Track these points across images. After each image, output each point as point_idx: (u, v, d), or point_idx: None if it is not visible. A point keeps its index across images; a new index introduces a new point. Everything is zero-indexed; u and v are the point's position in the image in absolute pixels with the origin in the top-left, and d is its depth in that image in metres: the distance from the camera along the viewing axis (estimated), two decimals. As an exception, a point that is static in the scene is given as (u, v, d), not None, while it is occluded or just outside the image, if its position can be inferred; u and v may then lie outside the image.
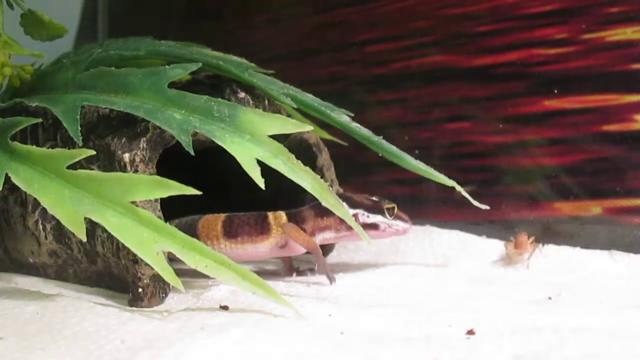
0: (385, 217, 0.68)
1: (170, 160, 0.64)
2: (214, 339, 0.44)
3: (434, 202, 0.88)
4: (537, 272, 0.72)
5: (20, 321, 0.51)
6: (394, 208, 0.68)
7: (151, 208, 0.57)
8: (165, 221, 0.54)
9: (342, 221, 0.66)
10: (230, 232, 0.66)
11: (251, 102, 0.65)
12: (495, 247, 0.79)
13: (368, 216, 0.68)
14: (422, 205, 0.89)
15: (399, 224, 0.69)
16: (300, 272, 0.72)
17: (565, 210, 0.78)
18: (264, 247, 0.67)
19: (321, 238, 0.68)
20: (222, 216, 0.67)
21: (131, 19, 1.27)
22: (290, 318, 0.50)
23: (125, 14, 1.28)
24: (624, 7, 0.74)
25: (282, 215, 0.68)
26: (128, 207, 0.52)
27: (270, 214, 0.68)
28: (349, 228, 0.66)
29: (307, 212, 0.68)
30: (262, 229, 0.66)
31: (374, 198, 0.69)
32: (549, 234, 0.72)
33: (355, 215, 0.67)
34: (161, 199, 0.58)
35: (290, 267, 0.72)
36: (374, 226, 0.68)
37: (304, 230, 0.67)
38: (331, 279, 0.65)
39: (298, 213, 0.68)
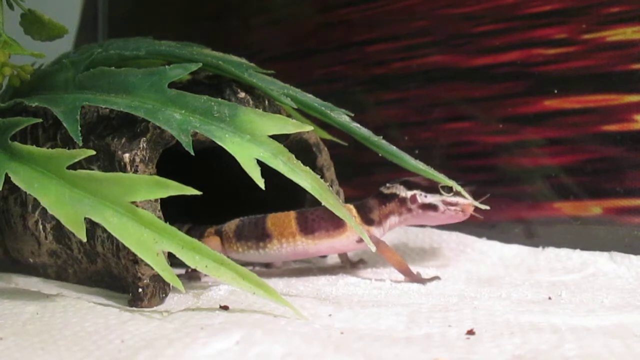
0: (443, 195, 0.67)
1: (171, 161, 0.64)
2: (214, 339, 0.44)
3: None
4: (537, 272, 0.72)
5: (20, 321, 0.51)
6: (451, 187, 0.67)
7: (151, 208, 0.57)
8: (166, 221, 0.54)
9: (402, 204, 0.68)
10: (307, 229, 0.67)
11: (251, 102, 0.65)
12: (495, 248, 0.79)
13: (426, 196, 0.68)
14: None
15: (460, 201, 0.67)
16: (354, 264, 0.74)
17: (565, 210, 0.78)
18: (340, 242, 0.68)
19: (388, 224, 0.69)
20: (293, 213, 0.69)
21: (131, 19, 1.27)
22: (290, 318, 0.50)
23: (125, 14, 1.28)
24: (624, 7, 0.75)
25: (352, 208, 0.69)
26: (128, 207, 0.52)
27: (347, 206, 0.69)
28: (410, 210, 0.68)
29: (372, 202, 0.70)
30: (338, 223, 0.67)
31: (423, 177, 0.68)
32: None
33: (413, 197, 0.68)
34: (161, 199, 0.58)
35: (346, 260, 0.74)
36: (432, 207, 0.68)
37: (372, 220, 0.69)
38: (422, 281, 0.66)
39: (365, 204, 0.70)
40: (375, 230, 0.69)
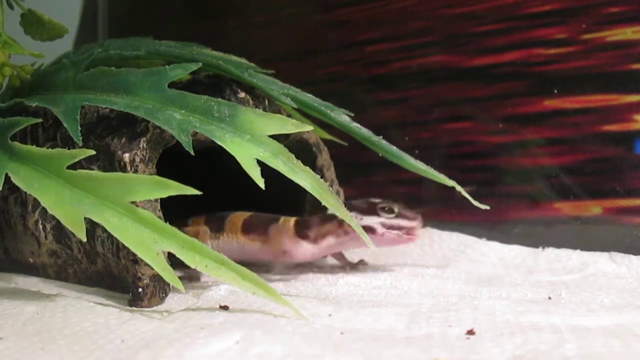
0: (382, 217, 0.67)
1: (170, 160, 0.64)
2: (214, 338, 0.44)
3: (434, 203, 0.88)
4: (537, 272, 0.72)
5: (20, 321, 0.51)
6: (390, 208, 0.67)
7: (151, 208, 0.57)
8: (166, 221, 0.54)
9: (339, 226, 0.67)
10: (247, 229, 0.69)
11: (251, 102, 0.65)
12: (495, 248, 0.79)
13: (361, 219, 0.67)
14: (422, 205, 0.89)
15: (402, 224, 0.67)
16: (354, 265, 0.74)
17: (565, 210, 0.78)
18: (265, 249, 0.69)
19: (325, 244, 0.68)
20: (247, 214, 0.70)
21: (131, 19, 1.27)
22: (290, 318, 0.50)
23: (125, 14, 1.28)
24: (624, 7, 0.75)
25: (291, 220, 0.69)
26: (128, 207, 0.52)
27: (282, 219, 0.69)
28: (347, 233, 0.67)
29: (314, 220, 0.69)
30: (267, 230, 0.68)
31: (374, 200, 0.68)
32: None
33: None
34: (161, 199, 0.58)
35: (346, 262, 0.74)
36: (369, 230, 0.66)
37: (307, 236, 0.68)
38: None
39: (307, 219, 0.69)
40: (307, 245, 0.68)
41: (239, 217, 0.70)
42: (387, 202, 0.68)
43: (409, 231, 0.67)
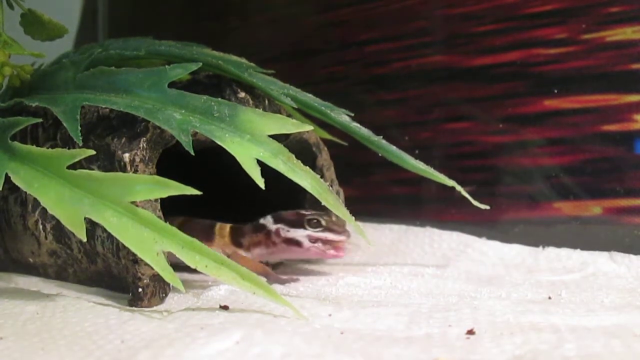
0: (307, 230, 0.66)
1: (171, 160, 0.64)
2: (214, 338, 0.44)
3: (434, 202, 0.88)
4: (537, 272, 0.72)
5: (20, 321, 0.51)
6: (317, 221, 0.66)
7: (151, 208, 0.57)
8: (165, 221, 0.54)
9: (268, 237, 0.67)
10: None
11: (251, 102, 0.65)
12: (495, 248, 0.79)
13: (288, 231, 0.67)
14: (422, 205, 0.89)
15: (329, 237, 0.66)
16: (282, 280, 0.71)
17: (565, 210, 0.78)
18: None
19: (256, 253, 0.69)
20: (182, 219, 0.69)
21: (131, 19, 1.27)
22: (290, 318, 0.50)
23: (125, 14, 1.28)
24: (624, 7, 0.75)
25: (227, 227, 0.69)
26: (128, 207, 0.52)
27: (218, 224, 0.69)
28: (275, 244, 0.67)
29: (247, 228, 0.69)
30: (208, 236, 0.68)
31: (304, 212, 0.67)
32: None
33: (277, 230, 0.67)
34: (161, 199, 0.58)
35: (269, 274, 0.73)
36: (295, 242, 0.66)
37: (241, 244, 0.68)
38: (286, 281, 0.66)
39: (241, 228, 0.69)
40: (242, 253, 0.68)
41: (173, 220, 0.70)
42: (317, 214, 0.67)
43: (336, 245, 0.67)
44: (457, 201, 0.81)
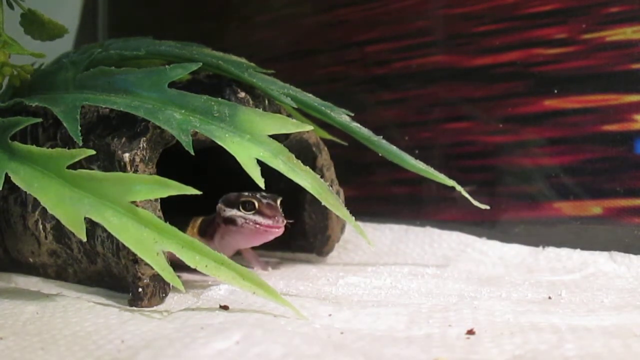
0: (240, 211, 0.66)
1: (171, 160, 0.64)
2: (214, 338, 0.44)
3: (433, 202, 0.88)
4: (537, 272, 0.72)
5: (20, 321, 0.51)
6: (252, 203, 0.66)
7: (151, 208, 0.57)
8: (165, 221, 0.54)
9: (217, 218, 0.68)
10: None
11: (251, 102, 0.65)
12: (495, 248, 0.79)
13: (224, 210, 0.67)
14: (422, 205, 0.89)
15: (258, 220, 0.66)
16: (264, 266, 0.75)
17: (565, 210, 0.78)
18: None
19: (217, 238, 0.69)
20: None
21: (131, 19, 1.27)
22: (290, 318, 0.50)
23: (125, 14, 1.28)
24: (624, 7, 0.75)
25: (200, 218, 0.70)
26: (128, 207, 0.52)
27: (194, 218, 0.71)
28: (219, 225, 0.68)
29: (209, 218, 0.70)
30: (183, 228, 0.68)
31: (244, 193, 0.67)
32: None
33: (219, 211, 0.68)
34: (161, 199, 0.58)
35: (255, 260, 0.76)
36: (231, 221, 0.67)
37: (206, 232, 0.70)
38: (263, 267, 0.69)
39: (209, 218, 0.70)
40: (207, 242, 0.68)
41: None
42: (252, 197, 0.66)
43: (266, 227, 0.66)
44: (457, 201, 0.82)
